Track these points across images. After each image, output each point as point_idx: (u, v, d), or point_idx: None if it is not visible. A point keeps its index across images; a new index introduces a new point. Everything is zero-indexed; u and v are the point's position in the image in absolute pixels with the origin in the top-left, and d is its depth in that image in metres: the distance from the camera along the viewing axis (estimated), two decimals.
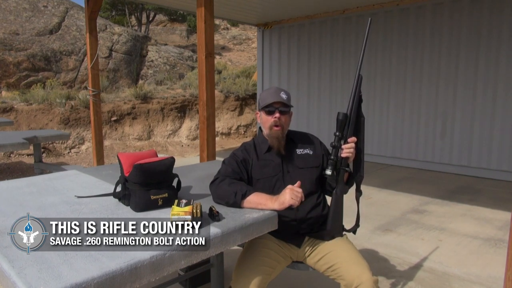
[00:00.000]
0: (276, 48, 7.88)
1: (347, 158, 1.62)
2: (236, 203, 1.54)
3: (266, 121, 1.71)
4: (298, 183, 1.54)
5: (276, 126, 1.69)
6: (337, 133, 1.62)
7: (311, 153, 1.78)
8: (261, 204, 1.53)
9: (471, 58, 5.42)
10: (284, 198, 1.50)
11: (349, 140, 1.62)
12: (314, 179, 1.75)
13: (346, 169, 1.64)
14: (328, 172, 1.59)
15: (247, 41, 19.05)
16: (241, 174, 1.68)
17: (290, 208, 1.53)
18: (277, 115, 1.68)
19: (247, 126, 10.06)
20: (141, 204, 1.49)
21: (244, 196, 1.54)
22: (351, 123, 1.64)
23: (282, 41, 7.75)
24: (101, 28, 10.91)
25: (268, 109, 1.69)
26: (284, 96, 1.70)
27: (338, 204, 1.69)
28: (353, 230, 1.82)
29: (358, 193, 1.76)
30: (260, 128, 1.83)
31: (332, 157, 1.61)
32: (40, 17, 10.26)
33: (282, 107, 1.69)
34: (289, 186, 1.53)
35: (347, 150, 1.60)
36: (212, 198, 1.63)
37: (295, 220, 1.71)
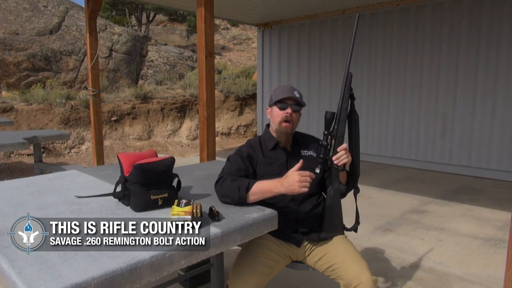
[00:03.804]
0: (276, 48, 7.88)
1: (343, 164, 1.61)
2: (242, 198, 1.53)
3: (277, 116, 1.71)
4: (301, 162, 1.52)
5: (286, 122, 1.69)
6: (325, 132, 1.62)
7: (314, 155, 1.78)
8: (267, 192, 1.53)
9: (471, 58, 5.42)
10: (293, 188, 1.48)
11: (338, 149, 1.60)
12: (316, 181, 1.75)
13: (338, 168, 1.61)
14: (317, 170, 1.58)
15: (247, 41, 19.06)
16: (246, 171, 1.67)
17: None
18: (289, 110, 1.69)
19: (247, 126, 10.06)
20: (141, 204, 1.49)
21: (248, 188, 1.53)
22: (341, 121, 1.63)
23: (282, 41, 7.75)
24: (101, 28, 10.91)
25: (281, 104, 1.70)
26: (297, 94, 1.72)
27: (332, 203, 1.68)
28: (354, 228, 1.82)
29: (356, 190, 1.76)
30: (267, 125, 1.84)
31: (321, 155, 1.61)
32: (40, 17, 10.26)
33: (295, 105, 1.70)
34: (297, 175, 1.48)
35: (339, 159, 1.59)
36: (218, 198, 1.61)
37: (295, 219, 1.72)
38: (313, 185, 1.74)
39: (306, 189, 1.48)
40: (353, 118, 1.66)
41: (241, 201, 1.54)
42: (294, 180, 1.47)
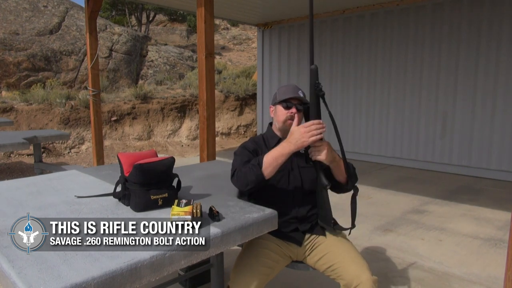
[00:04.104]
0: (276, 48, 7.88)
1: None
2: (259, 175, 1.54)
3: (281, 115, 1.72)
4: (297, 117, 1.56)
5: (291, 120, 1.70)
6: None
7: None
8: (279, 157, 1.54)
9: (471, 58, 5.42)
10: (302, 141, 1.49)
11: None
12: (315, 178, 1.74)
13: (310, 162, 1.59)
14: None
15: (247, 41, 19.06)
16: None
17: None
18: (293, 110, 1.69)
19: (247, 126, 10.06)
20: (141, 204, 1.49)
21: (260, 164, 1.55)
22: (310, 117, 1.58)
23: (282, 41, 7.75)
24: (101, 28, 10.91)
25: (286, 104, 1.71)
26: (301, 94, 1.73)
27: (318, 195, 1.68)
28: (347, 229, 1.76)
29: (354, 189, 1.71)
30: (270, 123, 1.85)
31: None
32: (40, 17, 10.26)
33: (299, 104, 1.71)
34: (301, 128, 1.49)
35: (311, 154, 1.56)
36: (239, 192, 1.63)
37: (296, 218, 1.72)
38: (313, 182, 1.74)
39: (315, 137, 1.49)
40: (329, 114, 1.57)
41: (260, 179, 1.55)
42: (301, 132, 1.50)
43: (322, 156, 1.55)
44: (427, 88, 5.88)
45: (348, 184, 1.70)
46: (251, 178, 1.56)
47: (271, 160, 1.54)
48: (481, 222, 3.67)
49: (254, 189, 1.60)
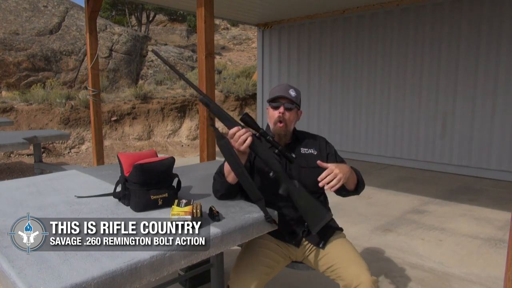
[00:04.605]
0: (276, 48, 7.88)
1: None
2: (224, 183, 1.57)
3: (272, 116, 1.71)
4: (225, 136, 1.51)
5: (280, 122, 1.68)
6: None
7: (315, 153, 1.76)
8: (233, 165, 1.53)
9: (471, 58, 5.42)
10: (241, 153, 1.48)
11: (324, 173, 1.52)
12: (316, 179, 1.74)
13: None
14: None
15: (247, 41, 19.07)
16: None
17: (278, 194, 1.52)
18: (281, 110, 1.67)
19: None
20: (141, 204, 1.49)
21: (222, 172, 1.57)
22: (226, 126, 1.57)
23: (282, 41, 7.75)
24: (101, 28, 10.91)
25: (274, 104, 1.69)
26: (292, 93, 1.69)
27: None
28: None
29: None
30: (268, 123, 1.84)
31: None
32: (40, 17, 10.26)
33: (288, 103, 1.68)
34: (232, 141, 1.47)
35: (323, 182, 1.52)
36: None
37: (293, 219, 1.71)
38: (314, 184, 1.73)
39: (245, 144, 1.45)
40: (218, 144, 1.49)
41: (225, 185, 1.57)
42: (234, 144, 1.48)
43: (338, 184, 1.51)
44: (427, 88, 5.88)
45: (357, 190, 1.70)
46: (217, 186, 1.61)
47: (229, 168, 1.53)
48: (481, 222, 3.67)
49: (227, 196, 1.61)
